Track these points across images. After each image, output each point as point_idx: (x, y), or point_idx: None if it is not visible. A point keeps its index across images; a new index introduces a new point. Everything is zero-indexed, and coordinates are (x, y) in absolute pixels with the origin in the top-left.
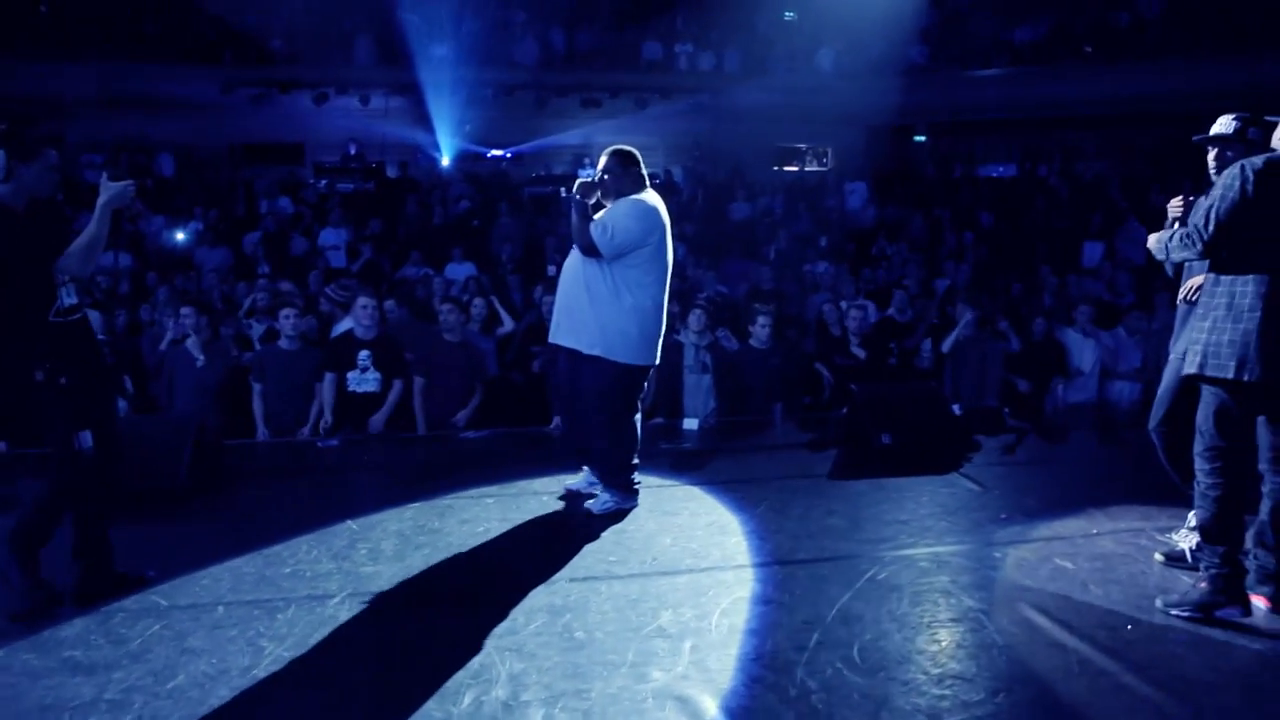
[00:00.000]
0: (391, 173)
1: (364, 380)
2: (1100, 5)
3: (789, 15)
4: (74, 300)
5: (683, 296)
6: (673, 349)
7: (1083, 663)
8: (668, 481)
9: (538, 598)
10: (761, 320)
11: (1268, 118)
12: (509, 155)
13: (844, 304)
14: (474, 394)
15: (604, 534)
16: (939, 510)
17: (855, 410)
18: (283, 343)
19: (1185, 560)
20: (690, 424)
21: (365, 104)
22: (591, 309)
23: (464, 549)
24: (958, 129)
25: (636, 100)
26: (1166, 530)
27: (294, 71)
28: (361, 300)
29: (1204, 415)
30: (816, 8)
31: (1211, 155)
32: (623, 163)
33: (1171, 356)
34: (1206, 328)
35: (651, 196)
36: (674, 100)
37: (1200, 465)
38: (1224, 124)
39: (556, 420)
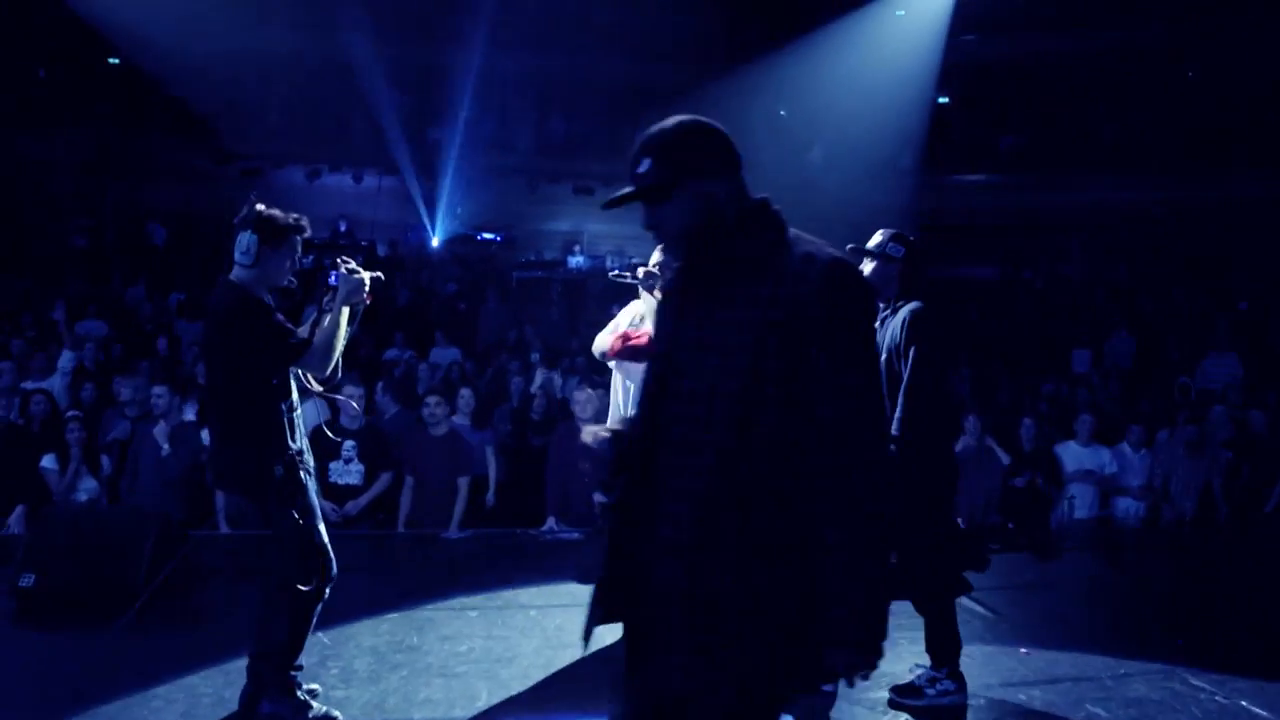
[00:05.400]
0: (381, 251)
1: (346, 472)
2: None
3: (782, 112)
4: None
5: None
6: None
7: None
8: None
9: None
10: None
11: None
12: (499, 239)
13: None
14: (457, 491)
15: (595, 659)
16: None
17: None
18: None
19: None
20: None
21: (358, 182)
22: None
23: (444, 671)
24: (943, 231)
25: None
26: (1201, 672)
27: (287, 146)
28: (349, 389)
29: None
30: (808, 106)
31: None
32: None
33: None
34: None
35: None
36: None
37: None
38: (875, 239)
39: (550, 522)
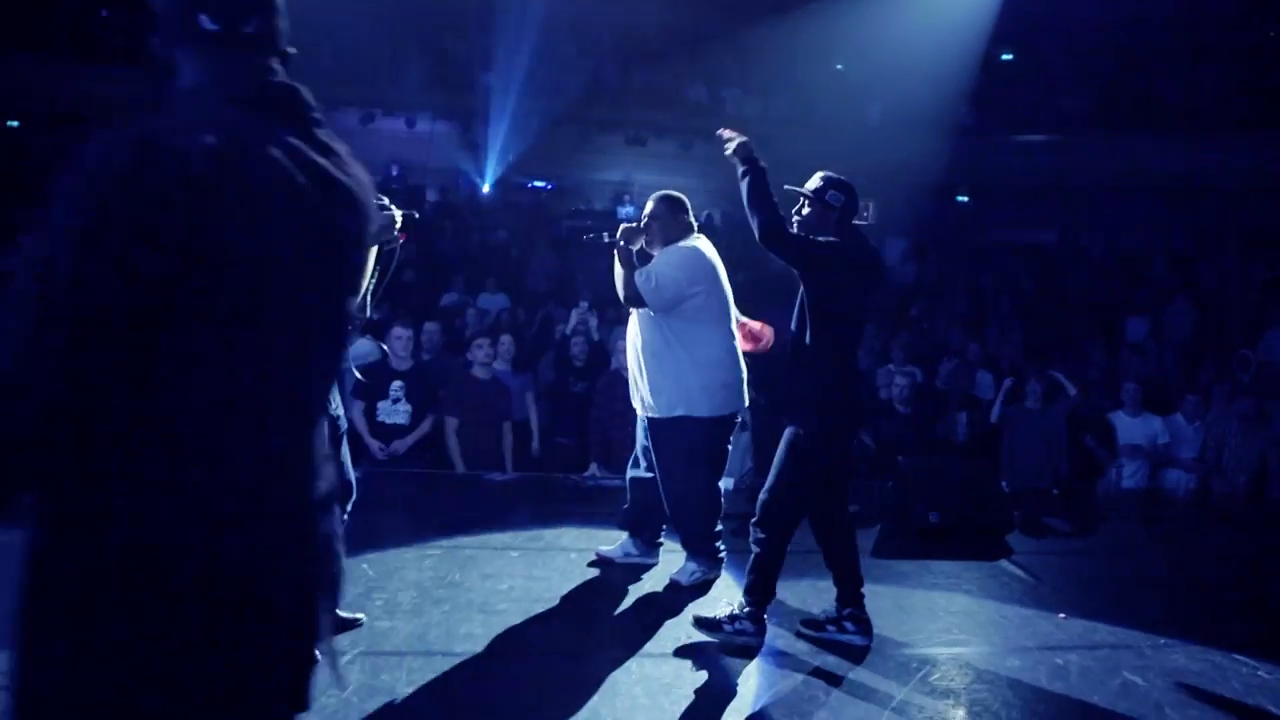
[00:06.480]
0: (432, 197)
1: (395, 412)
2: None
3: (839, 66)
4: None
5: None
6: None
7: None
8: None
9: (560, 673)
10: None
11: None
12: (550, 187)
13: (890, 368)
14: (501, 435)
15: (631, 604)
16: (992, 603)
17: (902, 484)
18: None
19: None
20: (725, 484)
21: (411, 127)
22: (658, 370)
23: (485, 608)
24: (1001, 193)
25: (681, 141)
26: (1244, 647)
27: (341, 89)
28: (397, 330)
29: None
30: (866, 61)
31: (796, 208)
32: (671, 208)
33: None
34: None
35: (698, 241)
36: (718, 143)
37: None
38: (814, 182)
39: (593, 468)
